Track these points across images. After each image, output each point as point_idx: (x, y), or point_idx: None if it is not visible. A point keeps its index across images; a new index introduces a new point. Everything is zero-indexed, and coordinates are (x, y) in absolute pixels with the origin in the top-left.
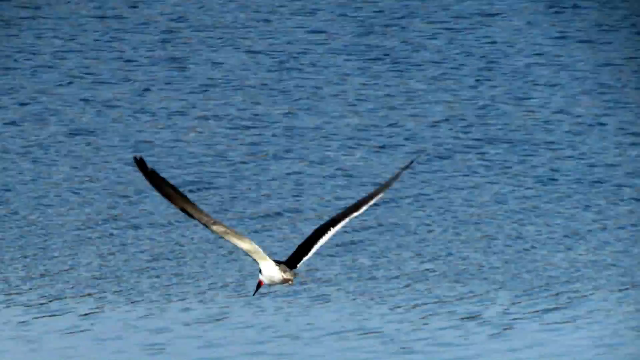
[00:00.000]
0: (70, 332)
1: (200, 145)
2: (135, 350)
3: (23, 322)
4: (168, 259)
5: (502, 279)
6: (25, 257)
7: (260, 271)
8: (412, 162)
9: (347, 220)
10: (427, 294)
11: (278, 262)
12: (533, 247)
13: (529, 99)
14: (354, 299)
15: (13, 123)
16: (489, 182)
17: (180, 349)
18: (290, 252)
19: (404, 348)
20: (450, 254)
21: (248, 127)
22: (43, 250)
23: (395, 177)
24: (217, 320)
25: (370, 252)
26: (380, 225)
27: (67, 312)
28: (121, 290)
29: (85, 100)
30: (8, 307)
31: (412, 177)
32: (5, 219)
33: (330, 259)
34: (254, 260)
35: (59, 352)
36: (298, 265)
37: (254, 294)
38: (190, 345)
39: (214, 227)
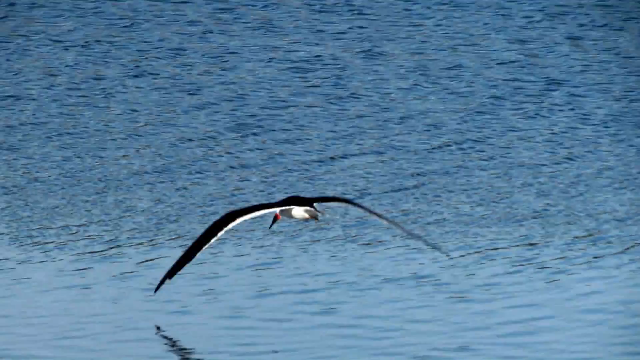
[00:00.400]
0: (125, 279)
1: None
2: (188, 296)
3: (78, 269)
4: (222, 205)
5: (558, 224)
6: (82, 203)
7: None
8: (434, 249)
9: (365, 211)
10: (482, 239)
11: (304, 203)
12: (589, 191)
13: (586, 39)
14: (407, 245)
15: (72, 66)
16: (544, 127)
17: (233, 295)
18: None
19: (458, 294)
20: (504, 199)
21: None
22: (99, 195)
23: (397, 226)
24: (271, 266)
25: (424, 196)
26: (435, 170)
27: (121, 259)
28: (175, 237)
29: (147, 42)
30: (64, 253)
31: (465, 122)
32: (61, 164)
33: (383, 205)
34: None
35: (113, 298)
36: (315, 205)
37: (270, 227)
38: (243, 292)
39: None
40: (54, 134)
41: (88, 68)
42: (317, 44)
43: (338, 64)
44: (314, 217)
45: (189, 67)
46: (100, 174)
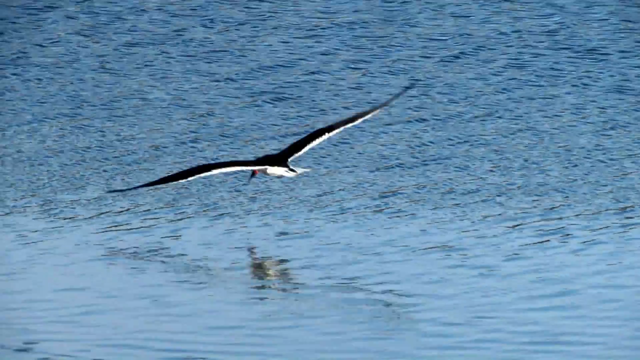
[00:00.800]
0: (151, 250)
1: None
2: (214, 265)
3: (102, 241)
4: (248, 173)
5: (584, 193)
6: (103, 171)
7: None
8: (409, 87)
9: (341, 128)
10: (508, 209)
11: (278, 161)
12: (612, 159)
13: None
14: (434, 214)
15: (80, 33)
16: (566, 92)
17: (260, 265)
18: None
19: (484, 264)
20: (528, 167)
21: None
22: (120, 164)
23: (393, 99)
24: (298, 236)
25: (449, 165)
26: (458, 138)
27: (145, 229)
28: (201, 206)
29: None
30: (86, 223)
31: (485, 89)
32: (80, 131)
33: (410, 173)
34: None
35: (138, 269)
36: (289, 160)
37: (248, 183)
38: (269, 262)
39: (223, 170)
40: (79, 104)
41: (117, 39)
42: (339, 11)
43: (367, 32)
44: (289, 173)
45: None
46: (125, 146)
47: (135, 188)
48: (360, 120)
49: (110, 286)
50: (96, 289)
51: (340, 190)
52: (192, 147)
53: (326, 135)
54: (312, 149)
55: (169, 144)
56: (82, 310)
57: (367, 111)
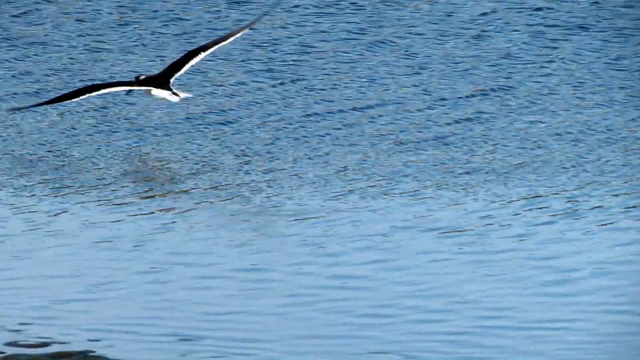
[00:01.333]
0: (166, 230)
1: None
2: (231, 246)
3: (113, 221)
4: (260, 154)
5: (598, 173)
6: (122, 153)
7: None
8: (276, 4)
9: (216, 47)
10: (521, 189)
11: (161, 83)
12: (625, 137)
13: None
14: (437, 194)
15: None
16: (566, 68)
17: (280, 245)
18: None
19: (497, 247)
20: (542, 146)
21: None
22: (137, 146)
23: (258, 19)
24: (315, 216)
25: (461, 145)
26: (469, 118)
27: (162, 210)
28: (216, 187)
29: None
30: (100, 205)
31: (496, 68)
32: (98, 111)
33: (422, 153)
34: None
35: (153, 250)
36: (171, 81)
37: (126, 93)
38: (289, 242)
39: (108, 90)
40: (88, 80)
41: (113, 14)
42: None
43: (365, 10)
44: (173, 97)
45: (219, 13)
46: (135, 122)
47: (31, 107)
48: (231, 39)
49: (121, 264)
50: (94, 274)
51: (345, 169)
52: (209, 124)
53: (202, 55)
54: (192, 66)
55: (165, 123)
56: (80, 297)
57: (236, 30)
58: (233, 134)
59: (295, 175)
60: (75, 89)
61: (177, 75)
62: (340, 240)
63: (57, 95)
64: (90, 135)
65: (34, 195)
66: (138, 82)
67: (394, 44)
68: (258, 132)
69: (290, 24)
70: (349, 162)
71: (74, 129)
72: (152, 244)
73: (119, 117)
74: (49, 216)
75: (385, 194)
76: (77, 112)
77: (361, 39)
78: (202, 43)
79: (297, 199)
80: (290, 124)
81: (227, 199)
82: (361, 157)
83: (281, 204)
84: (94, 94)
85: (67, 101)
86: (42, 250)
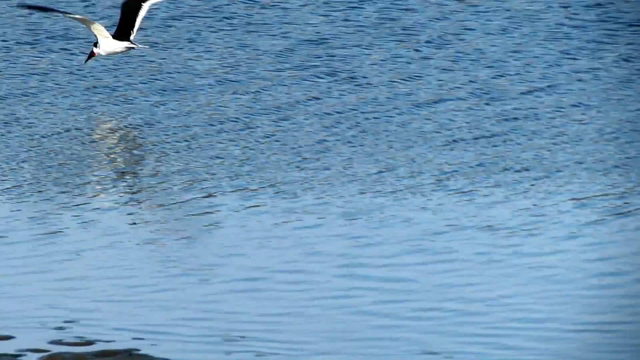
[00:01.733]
0: (213, 230)
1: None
2: (279, 247)
3: (163, 221)
4: (312, 154)
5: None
6: (174, 154)
7: (96, 45)
8: None
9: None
10: (567, 185)
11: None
12: None
13: None
14: (491, 192)
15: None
16: (615, 65)
17: (327, 246)
18: None
19: (546, 247)
20: (592, 146)
21: None
22: (187, 144)
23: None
24: (365, 215)
25: (503, 142)
26: (507, 117)
27: (208, 211)
28: (264, 187)
29: None
30: (152, 201)
31: (534, 63)
32: (150, 110)
33: (469, 151)
34: (96, 36)
35: (200, 251)
36: (132, 37)
37: (85, 62)
38: (337, 243)
39: (72, 16)
40: (144, 80)
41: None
42: None
43: (416, 12)
44: (132, 47)
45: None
46: (187, 120)
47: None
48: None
49: (172, 262)
50: (140, 274)
51: (397, 167)
52: (243, 124)
53: (145, 6)
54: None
55: (217, 121)
56: (124, 297)
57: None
58: (285, 131)
59: (346, 173)
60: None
61: (133, 31)
62: (390, 239)
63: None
64: (142, 138)
65: (84, 194)
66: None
67: (447, 42)
68: (309, 129)
69: (345, 20)
70: (401, 160)
71: (129, 126)
72: (199, 244)
73: (194, 114)
74: (99, 214)
75: (439, 191)
76: (127, 111)
77: (416, 36)
78: None
79: (347, 197)
80: (342, 121)
81: (277, 197)
82: (413, 154)
83: (331, 202)
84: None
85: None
86: (92, 249)
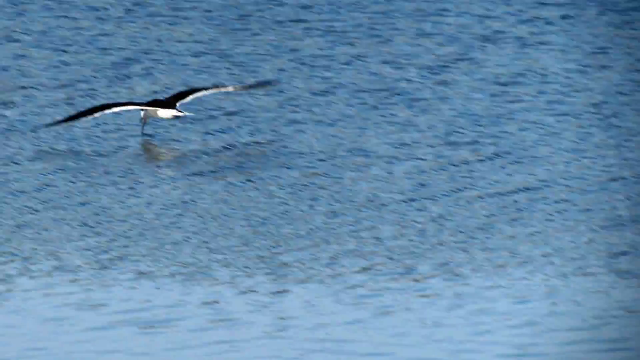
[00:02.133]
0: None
1: None
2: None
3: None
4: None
5: None
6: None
7: (146, 112)
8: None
9: (215, 90)
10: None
11: (167, 105)
12: None
13: None
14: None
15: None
16: None
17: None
18: None
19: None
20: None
21: None
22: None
23: (255, 86)
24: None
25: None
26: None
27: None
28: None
29: None
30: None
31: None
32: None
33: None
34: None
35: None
36: (177, 105)
37: (142, 131)
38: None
39: (120, 108)
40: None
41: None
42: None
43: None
44: (177, 116)
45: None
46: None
47: (52, 124)
48: (226, 89)
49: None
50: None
51: (569, 248)
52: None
53: (205, 92)
54: (198, 98)
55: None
56: None
57: (238, 86)
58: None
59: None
60: (89, 107)
61: (183, 102)
62: (561, 325)
63: (70, 115)
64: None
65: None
66: (146, 103)
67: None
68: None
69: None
70: (574, 239)
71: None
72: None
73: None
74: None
75: (612, 273)
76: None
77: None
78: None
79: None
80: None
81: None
82: (585, 234)
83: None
84: (108, 111)
85: (84, 117)
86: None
